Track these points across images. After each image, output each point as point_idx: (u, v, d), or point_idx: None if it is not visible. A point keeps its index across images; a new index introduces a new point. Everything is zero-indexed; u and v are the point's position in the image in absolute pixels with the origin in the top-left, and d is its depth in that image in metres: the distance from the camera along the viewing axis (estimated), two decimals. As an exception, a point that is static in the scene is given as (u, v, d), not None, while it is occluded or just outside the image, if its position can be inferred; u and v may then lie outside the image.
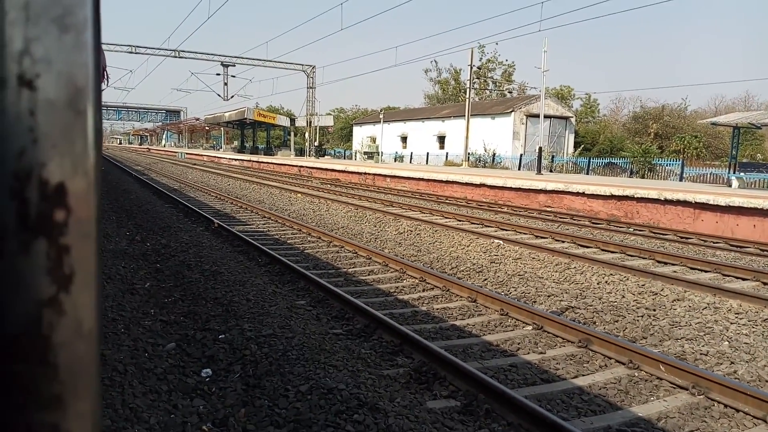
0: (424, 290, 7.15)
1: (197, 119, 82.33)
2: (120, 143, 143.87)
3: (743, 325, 5.96)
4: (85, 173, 0.44)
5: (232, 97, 47.88)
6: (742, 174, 20.77)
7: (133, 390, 3.72)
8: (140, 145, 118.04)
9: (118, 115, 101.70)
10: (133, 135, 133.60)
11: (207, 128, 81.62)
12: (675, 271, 8.59)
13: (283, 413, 3.55)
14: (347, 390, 3.81)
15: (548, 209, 17.27)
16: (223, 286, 6.59)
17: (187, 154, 62.55)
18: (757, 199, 12.70)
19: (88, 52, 0.43)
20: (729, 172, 21.39)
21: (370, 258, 8.91)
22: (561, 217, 15.29)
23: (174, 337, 4.98)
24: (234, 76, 47.22)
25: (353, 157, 52.14)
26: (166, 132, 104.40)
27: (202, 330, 5.12)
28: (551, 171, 31.94)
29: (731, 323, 6.01)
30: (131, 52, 42.28)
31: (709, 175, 26.28)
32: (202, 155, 60.24)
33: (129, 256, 8.21)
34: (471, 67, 36.53)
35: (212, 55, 45.63)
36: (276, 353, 4.48)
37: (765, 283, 7.94)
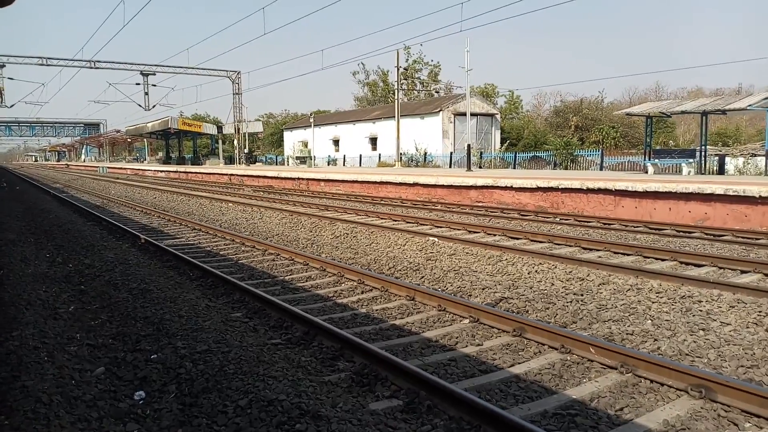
0: (362, 292, 7.15)
1: (118, 131, 78.96)
2: (35, 160, 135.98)
3: (663, 303, 6.32)
4: None
5: (154, 106, 46.32)
6: (656, 160, 22.07)
7: (60, 420, 3.51)
8: (58, 161, 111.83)
9: (31, 131, 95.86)
10: (49, 151, 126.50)
11: (129, 140, 78.51)
12: (599, 257, 9.01)
13: (222, 430, 3.46)
14: (288, 400, 3.76)
15: (479, 204, 17.71)
16: (153, 304, 6.34)
17: (108, 168, 59.86)
18: (671, 184, 13.52)
19: None
20: (645, 160, 22.68)
21: (307, 264, 8.82)
22: (492, 211, 15.72)
23: (103, 360, 4.74)
24: (155, 85, 45.74)
25: (285, 163, 51.55)
26: (85, 146, 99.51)
27: (132, 351, 4.90)
28: (480, 167, 32.78)
29: (653, 302, 6.36)
30: (42, 65, 40.07)
31: (627, 163, 27.78)
32: (125, 168, 57.86)
33: (50, 279, 7.76)
34: (398, 69, 36.97)
35: (131, 64, 43.95)
36: (212, 369, 4.36)
37: (682, 262, 8.47)
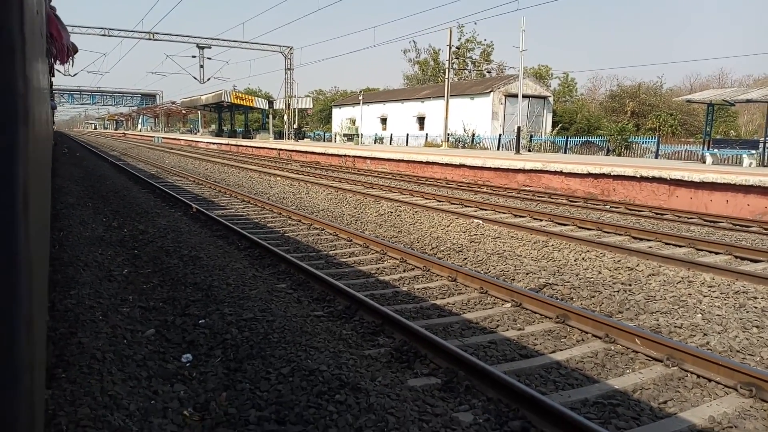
0: (404, 271, 7.18)
1: (173, 103, 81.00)
2: (95, 128, 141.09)
3: (716, 297, 6.10)
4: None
5: (209, 79, 47.20)
6: (715, 150, 21.11)
7: (112, 377, 3.70)
8: (116, 130, 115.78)
9: (92, 100, 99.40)
10: (108, 120, 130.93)
11: (184, 112, 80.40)
12: (650, 247, 8.75)
13: (264, 396, 3.57)
14: (329, 371, 3.84)
15: (527, 188, 17.41)
16: (203, 271, 6.55)
17: (163, 138, 61.62)
18: (729, 175, 12.94)
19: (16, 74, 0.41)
20: (703, 149, 21.74)
21: (351, 240, 8.91)
22: (539, 196, 15.43)
23: (153, 323, 4.95)
24: (210, 59, 46.48)
25: (333, 140, 51.86)
26: (141, 116, 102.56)
27: (181, 315, 5.10)
28: (530, 150, 32.13)
29: (704, 296, 6.15)
30: (104, 35, 41.34)
31: (683, 152, 26.69)
32: (179, 139, 59.43)
33: (106, 243, 8.10)
34: (450, 48, 36.40)
35: (187, 37, 44.80)
36: (257, 337, 4.48)
37: (737, 257, 8.14)
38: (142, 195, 13.93)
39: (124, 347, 4.23)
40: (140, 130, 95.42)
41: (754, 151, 20.26)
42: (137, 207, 11.63)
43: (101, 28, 41.02)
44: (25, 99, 0.44)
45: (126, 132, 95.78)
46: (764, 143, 20.34)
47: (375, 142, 47.55)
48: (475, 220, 10.70)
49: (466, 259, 7.89)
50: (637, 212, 12.68)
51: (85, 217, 10.05)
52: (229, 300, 5.44)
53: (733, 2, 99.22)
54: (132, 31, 42.13)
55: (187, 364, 4.13)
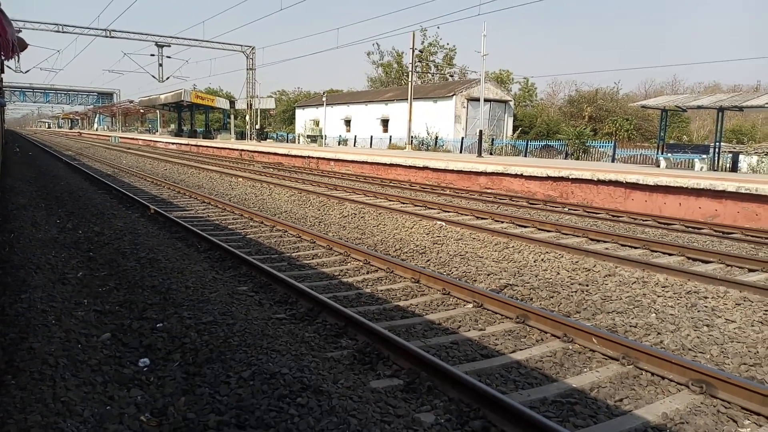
0: (368, 272, 7.18)
1: (131, 102, 79.05)
2: (48, 127, 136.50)
3: (669, 297, 6.31)
4: None
5: (168, 78, 46.21)
6: (669, 155, 21.84)
7: (66, 383, 3.57)
8: (71, 129, 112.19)
9: (45, 98, 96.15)
10: (63, 119, 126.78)
11: (142, 111, 78.57)
12: (607, 248, 8.98)
13: (224, 400, 3.51)
14: (290, 374, 3.80)
15: (488, 191, 17.65)
16: (161, 273, 6.40)
17: (121, 138, 60.04)
18: (682, 179, 13.40)
19: None
20: (657, 153, 22.46)
21: (314, 242, 8.86)
22: (500, 199, 15.66)
23: (109, 327, 4.80)
24: (169, 57, 45.51)
25: (296, 141, 51.46)
26: (98, 115, 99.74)
27: (139, 319, 4.97)
28: (491, 153, 32.58)
29: (658, 296, 6.35)
30: (58, 31, 40.01)
31: (639, 156, 27.52)
32: (137, 139, 58.01)
33: (60, 245, 7.84)
34: (413, 51, 36.59)
35: (146, 35, 43.78)
36: (217, 340, 4.41)
37: (689, 258, 8.43)
38: (98, 196, 13.53)
39: (78, 352, 4.10)
40: (96, 130, 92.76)
41: (705, 156, 21.06)
42: (93, 208, 11.29)
43: (55, 24, 39.73)
44: None
45: (82, 131, 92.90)
46: (714, 148, 21.15)
47: (339, 144, 47.43)
48: (438, 222, 10.78)
49: (429, 260, 7.94)
50: (594, 215, 13.01)
51: (37, 219, 9.70)
52: (188, 303, 5.34)
53: (685, 11, 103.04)
54: (88, 28, 40.96)
55: (145, 369, 4.03)
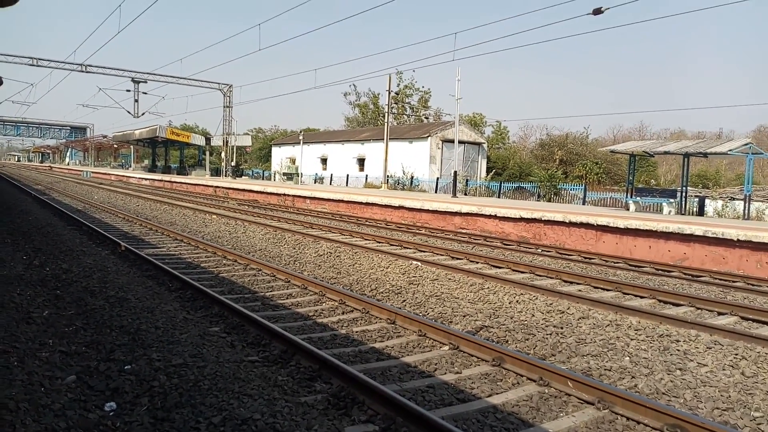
0: (343, 313, 7.11)
1: (105, 136, 78.28)
2: (18, 161, 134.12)
3: (642, 341, 6.36)
4: None
5: (143, 114, 46.03)
6: (638, 198, 22.40)
7: (26, 429, 3.41)
8: (41, 162, 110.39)
9: (16, 131, 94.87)
10: (33, 152, 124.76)
11: (115, 146, 77.88)
12: (580, 290, 9.07)
13: (194, 447, 3.39)
14: (263, 420, 3.70)
15: (463, 231, 17.78)
16: (130, 313, 6.23)
17: (93, 172, 59.18)
18: (651, 222, 13.72)
19: None
20: (627, 197, 23.01)
21: (289, 281, 8.76)
22: (475, 239, 15.78)
23: (75, 369, 4.63)
24: (146, 93, 45.47)
25: (272, 178, 51.42)
26: (70, 149, 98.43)
27: (106, 361, 4.80)
28: (466, 194, 32.99)
29: (632, 339, 6.40)
30: (32, 65, 39.68)
31: (609, 199, 28.15)
32: (109, 174, 57.23)
33: (25, 282, 7.60)
34: (389, 93, 37.29)
35: (122, 70, 43.70)
36: (187, 384, 4.28)
37: (660, 301, 8.55)
38: (67, 232, 13.23)
39: (41, 396, 3.93)
40: (68, 164, 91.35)
41: (672, 200, 21.66)
42: (61, 245, 11.02)
43: (30, 58, 39.45)
44: None
45: (52, 165, 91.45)
46: (681, 193, 21.78)
47: (315, 182, 47.52)
48: (414, 262, 10.78)
49: (404, 301, 7.90)
50: (567, 256, 13.17)
51: (2, 255, 9.42)
52: (158, 344, 5.19)
53: (654, 60, 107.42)
54: (63, 62, 40.73)
55: (111, 413, 3.87)
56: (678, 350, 6.04)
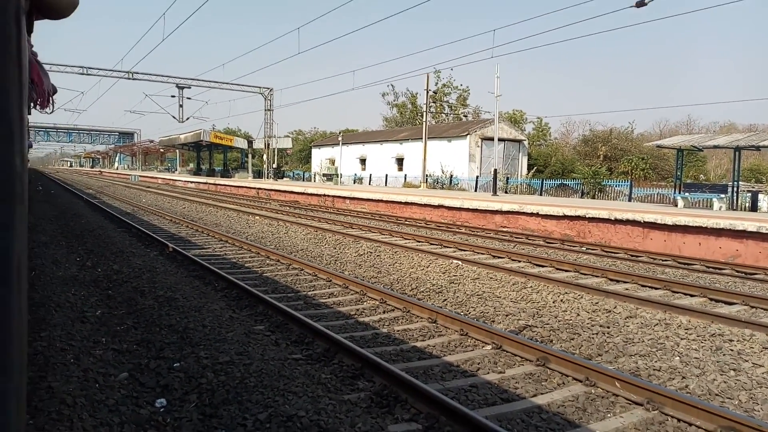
0: (384, 312, 7.13)
1: (151, 141, 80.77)
2: (70, 166, 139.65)
3: (693, 340, 6.16)
4: None
5: (188, 119, 47.17)
6: (686, 194, 21.69)
7: (83, 423, 3.56)
8: (92, 168, 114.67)
9: (69, 137, 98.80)
10: (84, 158, 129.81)
11: (162, 150, 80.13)
12: (627, 289, 8.84)
13: (241, 443, 3.46)
14: (307, 417, 3.75)
15: (504, 229, 17.58)
16: (178, 312, 6.42)
17: (140, 176, 61.10)
18: (701, 218, 13.26)
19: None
20: (675, 193, 22.31)
21: (330, 280, 8.84)
22: (517, 237, 15.57)
23: (127, 366, 4.80)
24: (189, 98, 46.59)
25: (312, 179, 52.00)
26: (119, 154, 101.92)
27: (156, 358, 4.96)
28: (506, 192, 32.59)
29: (681, 339, 6.21)
30: (83, 74, 41.27)
31: (656, 195, 27.35)
32: (156, 178, 58.98)
33: (79, 283, 7.91)
34: (427, 92, 37.18)
35: (167, 76, 44.96)
36: (233, 381, 4.38)
37: (711, 299, 8.26)
38: (117, 234, 13.70)
39: (96, 392, 4.09)
40: (117, 168, 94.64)
41: (723, 195, 20.87)
42: (112, 246, 11.42)
43: (80, 67, 41.01)
44: (22, 177, 0.45)
45: (102, 170, 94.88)
46: (732, 188, 20.97)
47: (354, 182, 47.81)
48: (455, 261, 10.73)
49: (446, 300, 7.87)
50: (612, 254, 12.86)
51: (58, 257, 9.83)
52: (205, 342, 5.32)
53: (701, 52, 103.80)
54: (111, 70, 42.20)
55: (161, 410, 4.00)
56: (731, 350, 5.82)
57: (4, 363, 0.43)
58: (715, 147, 22.45)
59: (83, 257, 10.14)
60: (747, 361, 5.53)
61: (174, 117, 46.50)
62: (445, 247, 13.17)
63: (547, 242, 14.78)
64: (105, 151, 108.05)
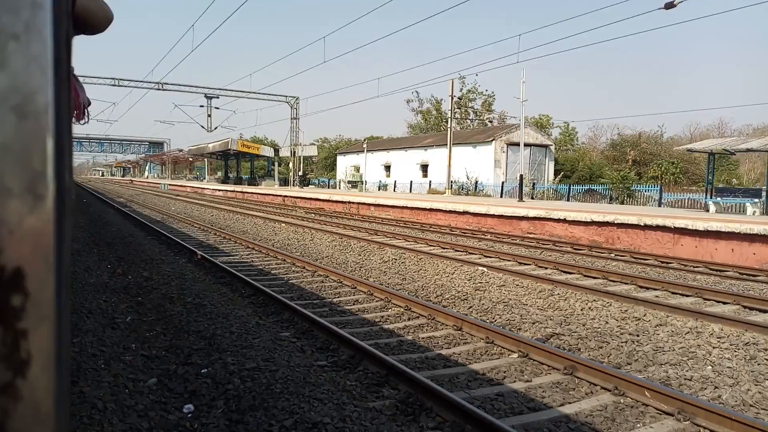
0: (409, 319, 7.12)
1: (181, 150, 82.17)
2: (102, 175, 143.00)
3: (725, 349, 6.01)
4: (45, 257, 0.43)
5: (216, 128, 47.97)
6: (718, 199, 21.18)
7: (113, 428, 3.63)
8: (123, 176, 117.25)
9: (100, 147, 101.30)
10: (115, 167, 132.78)
11: (191, 159, 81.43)
12: (657, 296, 8.67)
13: (267, 449, 3.49)
14: (332, 424, 3.76)
15: (531, 236, 17.40)
16: (206, 318, 6.51)
17: (170, 185, 62.21)
18: (734, 224, 12.93)
19: (47, 135, 0.44)
20: (706, 197, 21.82)
21: (355, 287, 8.87)
22: (543, 244, 15.40)
23: (155, 372, 4.89)
24: (218, 108, 47.40)
25: (337, 187, 52.24)
26: (149, 163, 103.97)
27: (184, 364, 5.04)
28: (532, 198, 32.29)
29: (714, 347, 6.06)
30: (114, 85, 42.33)
31: (686, 200, 26.77)
32: (185, 186, 59.96)
33: (110, 290, 8.09)
34: (452, 98, 37.10)
35: (196, 87, 45.82)
36: (260, 387, 4.42)
37: (745, 307, 8.04)
38: (147, 241, 13.97)
39: (125, 397, 4.17)
40: (147, 177, 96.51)
41: (757, 200, 20.33)
42: (142, 254, 11.65)
43: (112, 78, 42.06)
44: (70, 191, 0.47)
45: (133, 179, 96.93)
46: (767, 192, 20.41)
47: (379, 189, 47.92)
48: (480, 268, 10.66)
49: (471, 307, 7.83)
50: (642, 260, 12.63)
51: (90, 264, 10.06)
52: (232, 349, 5.39)
53: (731, 52, 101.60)
54: (142, 81, 43.20)
55: (189, 415, 4.06)
56: (766, 359, 5.66)
57: (59, 364, 0.45)
58: (748, 150, 21.90)
59: (114, 264, 10.36)
60: (783, 371, 5.36)
61: (202, 126, 47.34)
62: (470, 253, 13.10)
63: (575, 249, 14.58)
64: (135, 160, 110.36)
